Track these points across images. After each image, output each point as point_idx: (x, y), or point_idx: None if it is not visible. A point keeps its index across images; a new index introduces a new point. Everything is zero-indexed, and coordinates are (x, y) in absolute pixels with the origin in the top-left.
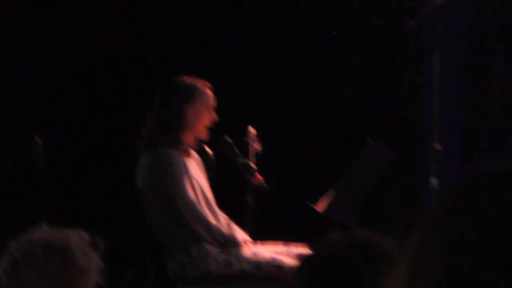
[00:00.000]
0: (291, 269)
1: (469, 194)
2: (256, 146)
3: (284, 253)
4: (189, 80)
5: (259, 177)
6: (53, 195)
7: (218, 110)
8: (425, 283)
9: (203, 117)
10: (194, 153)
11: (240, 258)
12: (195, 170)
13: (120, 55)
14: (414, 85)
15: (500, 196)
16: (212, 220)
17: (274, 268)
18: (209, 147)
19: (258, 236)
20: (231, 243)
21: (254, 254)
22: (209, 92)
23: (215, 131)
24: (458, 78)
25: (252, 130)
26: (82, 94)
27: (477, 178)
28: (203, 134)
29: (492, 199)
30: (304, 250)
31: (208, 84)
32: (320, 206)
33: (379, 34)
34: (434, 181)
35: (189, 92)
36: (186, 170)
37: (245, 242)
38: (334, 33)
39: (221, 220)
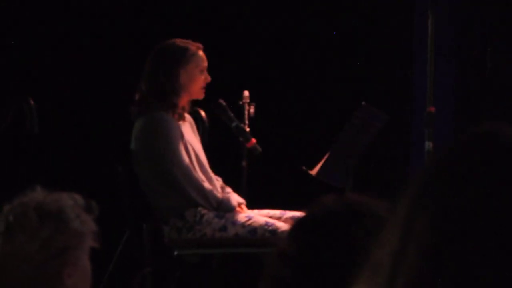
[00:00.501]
0: (285, 233)
1: (458, 156)
2: (251, 109)
3: (278, 217)
4: (180, 42)
5: (253, 140)
6: (47, 158)
7: (213, 74)
8: (416, 247)
9: (197, 79)
10: (188, 117)
11: (235, 222)
12: (190, 134)
13: (111, 18)
14: (408, 48)
15: (486, 157)
16: (206, 184)
17: (268, 232)
18: (204, 110)
19: (252, 199)
20: (225, 208)
21: (249, 218)
22: (202, 54)
23: (210, 94)
24: (451, 40)
25: (246, 93)
26: (76, 56)
27: (465, 140)
28: (199, 95)
29: (480, 161)
30: (298, 214)
31: (200, 46)
32: (314, 170)
33: None
34: (428, 144)
35: (181, 55)
36: (180, 134)
37: (240, 206)
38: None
39: (216, 184)
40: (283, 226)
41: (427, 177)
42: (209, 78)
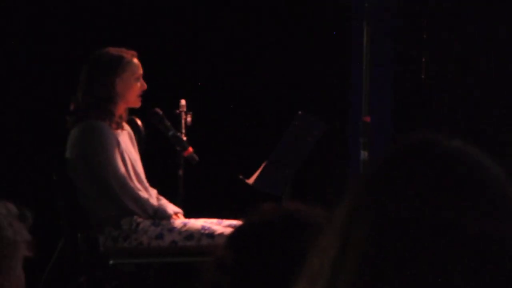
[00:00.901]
0: (222, 237)
1: (394, 165)
2: (188, 118)
3: (215, 224)
4: (115, 51)
5: (190, 149)
6: None
7: (150, 83)
8: (355, 255)
9: (133, 87)
10: (127, 127)
11: (171, 229)
12: (127, 143)
13: (48, 26)
14: (345, 58)
15: (422, 167)
16: (142, 193)
17: (205, 236)
18: (140, 119)
19: (189, 208)
20: (161, 216)
21: (184, 224)
22: (137, 61)
23: (146, 103)
24: (388, 50)
25: (183, 102)
26: (9, 64)
27: (401, 149)
28: (135, 103)
29: (416, 170)
30: (235, 222)
31: (135, 53)
32: (251, 179)
33: (308, 7)
34: (363, 153)
35: (116, 63)
36: (117, 143)
37: (176, 215)
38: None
39: (152, 194)
40: (220, 229)
41: (364, 185)
42: (145, 86)
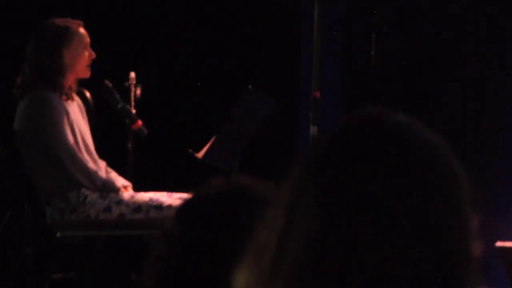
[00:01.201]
0: (171, 209)
1: (343, 141)
2: (137, 91)
3: (165, 196)
4: (60, 22)
5: (139, 122)
6: None
7: (99, 55)
8: (301, 229)
9: (81, 57)
10: (77, 98)
11: (119, 202)
12: (76, 115)
13: None
14: (295, 33)
15: (370, 142)
16: (91, 165)
17: (153, 208)
18: (89, 91)
19: (138, 182)
20: (110, 188)
21: (132, 196)
22: (83, 31)
23: (96, 75)
24: (338, 26)
25: (133, 75)
26: None
27: (350, 125)
28: (85, 73)
29: (364, 145)
30: (185, 195)
31: (81, 23)
32: (200, 153)
33: None
34: (313, 129)
35: (63, 34)
36: (66, 114)
37: (125, 187)
38: None
39: (101, 166)
40: (168, 201)
41: (312, 160)
42: (93, 54)
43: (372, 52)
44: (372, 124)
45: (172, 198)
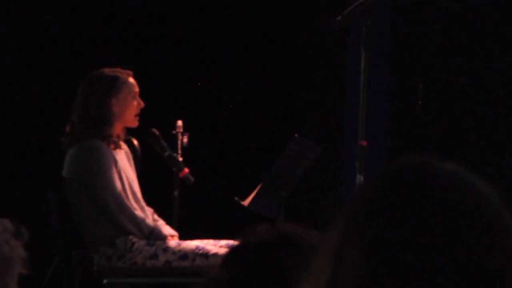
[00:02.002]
0: (216, 257)
1: (383, 190)
2: (184, 139)
3: (211, 244)
4: (110, 71)
5: (185, 170)
6: None
7: (147, 103)
8: (345, 280)
9: (130, 106)
10: (124, 146)
11: (166, 249)
12: (124, 162)
13: (43, 48)
14: (341, 82)
15: (412, 190)
16: (138, 212)
17: (199, 256)
18: (137, 139)
19: (184, 229)
20: (157, 236)
21: (179, 244)
22: (132, 80)
23: (143, 123)
24: (384, 75)
25: (180, 123)
26: (6, 84)
27: (393, 174)
28: (133, 122)
29: (404, 193)
30: (230, 242)
31: (130, 73)
32: (246, 201)
33: (306, 32)
34: (359, 178)
35: (112, 84)
36: (114, 161)
37: (172, 236)
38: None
39: (148, 214)
40: (214, 249)
41: (357, 209)
42: (142, 104)
43: (419, 102)
44: (419, 171)
45: (218, 247)
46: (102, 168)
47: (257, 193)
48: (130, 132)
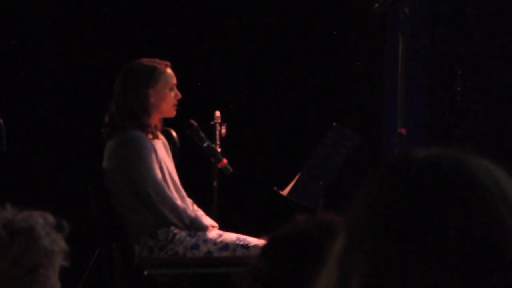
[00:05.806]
0: (257, 248)
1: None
2: (222, 130)
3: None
4: (148, 62)
5: (224, 160)
6: (17, 176)
7: (185, 94)
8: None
9: (167, 97)
10: (162, 136)
11: (206, 240)
12: (163, 152)
13: (80, 39)
14: (379, 69)
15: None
16: (179, 202)
17: (240, 247)
18: (175, 130)
19: (223, 219)
20: (198, 227)
21: (220, 235)
22: (170, 71)
23: (181, 114)
24: (422, 63)
25: (218, 114)
26: (45, 75)
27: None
28: (170, 112)
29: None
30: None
31: (168, 63)
32: (285, 190)
33: (343, 19)
34: None
35: (149, 74)
36: (154, 151)
37: (212, 227)
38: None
39: (188, 203)
40: (255, 240)
41: (359, 213)
42: (179, 95)
43: (458, 88)
44: (416, 178)
45: (259, 239)
46: (142, 158)
47: (296, 182)
48: (168, 123)
